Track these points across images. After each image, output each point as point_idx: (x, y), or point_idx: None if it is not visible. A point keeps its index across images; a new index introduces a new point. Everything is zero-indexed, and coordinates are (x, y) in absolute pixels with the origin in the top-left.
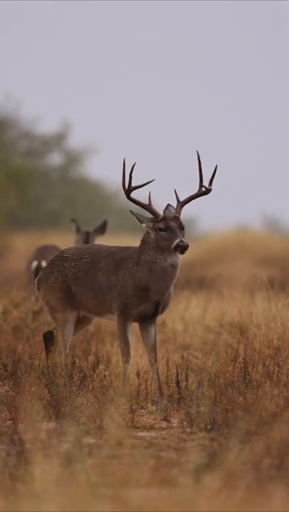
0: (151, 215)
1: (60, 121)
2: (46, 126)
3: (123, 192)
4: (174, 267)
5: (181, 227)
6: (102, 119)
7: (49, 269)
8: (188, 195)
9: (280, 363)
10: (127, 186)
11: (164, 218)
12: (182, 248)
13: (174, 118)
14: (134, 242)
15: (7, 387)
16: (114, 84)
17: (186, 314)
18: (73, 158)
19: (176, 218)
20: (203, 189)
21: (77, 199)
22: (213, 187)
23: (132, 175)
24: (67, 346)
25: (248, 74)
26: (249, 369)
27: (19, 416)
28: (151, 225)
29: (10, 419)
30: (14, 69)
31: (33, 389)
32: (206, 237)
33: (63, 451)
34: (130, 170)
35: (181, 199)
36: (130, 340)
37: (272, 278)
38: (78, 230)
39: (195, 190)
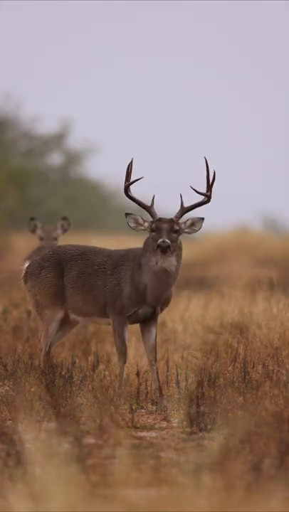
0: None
1: (60, 121)
2: (46, 126)
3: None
4: (165, 271)
5: (173, 230)
6: (102, 118)
7: (41, 263)
8: (191, 203)
9: (280, 363)
10: (125, 184)
11: (158, 220)
12: (162, 248)
13: (174, 118)
14: (134, 242)
15: (7, 387)
16: (115, 84)
17: (186, 314)
18: (73, 158)
19: (171, 221)
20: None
21: (77, 199)
22: (212, 193)
23: (132, 172)
24: (49, 344)
25: (246, 72)
26: (249, 369)
27: (19, 416)
28: (148, 226)
29: (10, 419)
30: (14, 69)
31: (33, 389)
32: (206, 237)
33: (63, 451)
34: (128, 167)
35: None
36: (127, 341)
37: (273, 278)
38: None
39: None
